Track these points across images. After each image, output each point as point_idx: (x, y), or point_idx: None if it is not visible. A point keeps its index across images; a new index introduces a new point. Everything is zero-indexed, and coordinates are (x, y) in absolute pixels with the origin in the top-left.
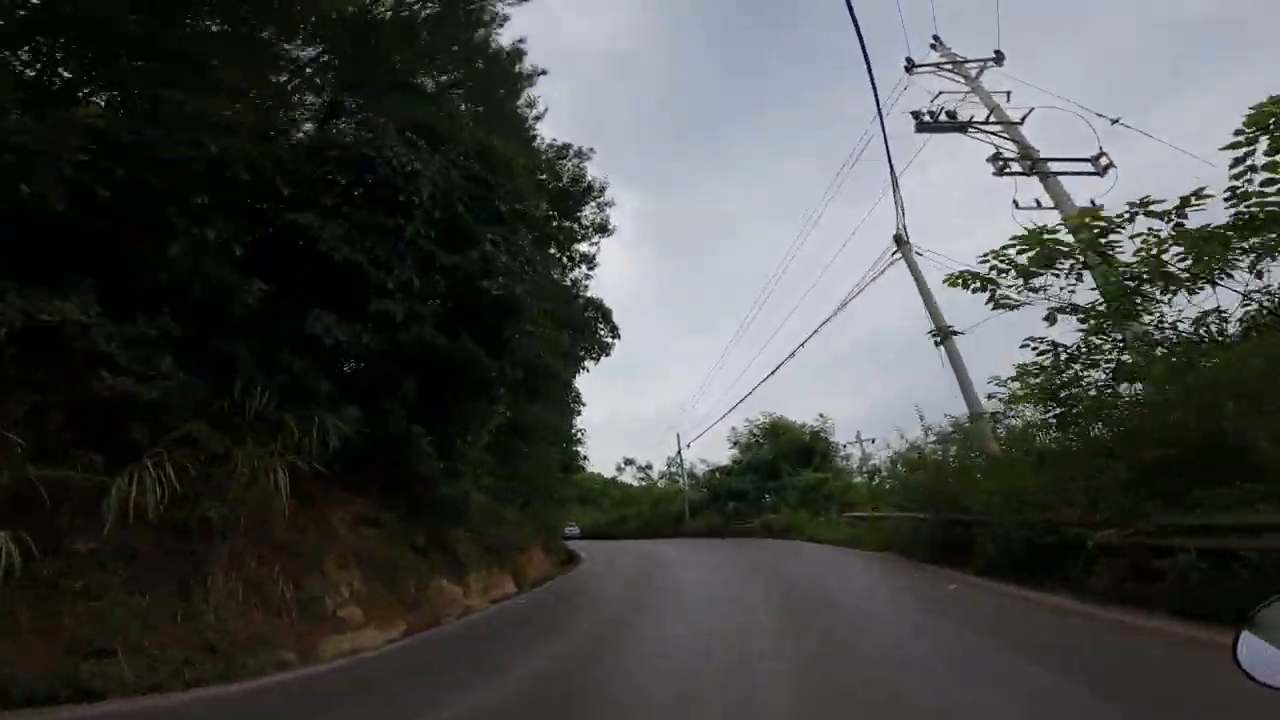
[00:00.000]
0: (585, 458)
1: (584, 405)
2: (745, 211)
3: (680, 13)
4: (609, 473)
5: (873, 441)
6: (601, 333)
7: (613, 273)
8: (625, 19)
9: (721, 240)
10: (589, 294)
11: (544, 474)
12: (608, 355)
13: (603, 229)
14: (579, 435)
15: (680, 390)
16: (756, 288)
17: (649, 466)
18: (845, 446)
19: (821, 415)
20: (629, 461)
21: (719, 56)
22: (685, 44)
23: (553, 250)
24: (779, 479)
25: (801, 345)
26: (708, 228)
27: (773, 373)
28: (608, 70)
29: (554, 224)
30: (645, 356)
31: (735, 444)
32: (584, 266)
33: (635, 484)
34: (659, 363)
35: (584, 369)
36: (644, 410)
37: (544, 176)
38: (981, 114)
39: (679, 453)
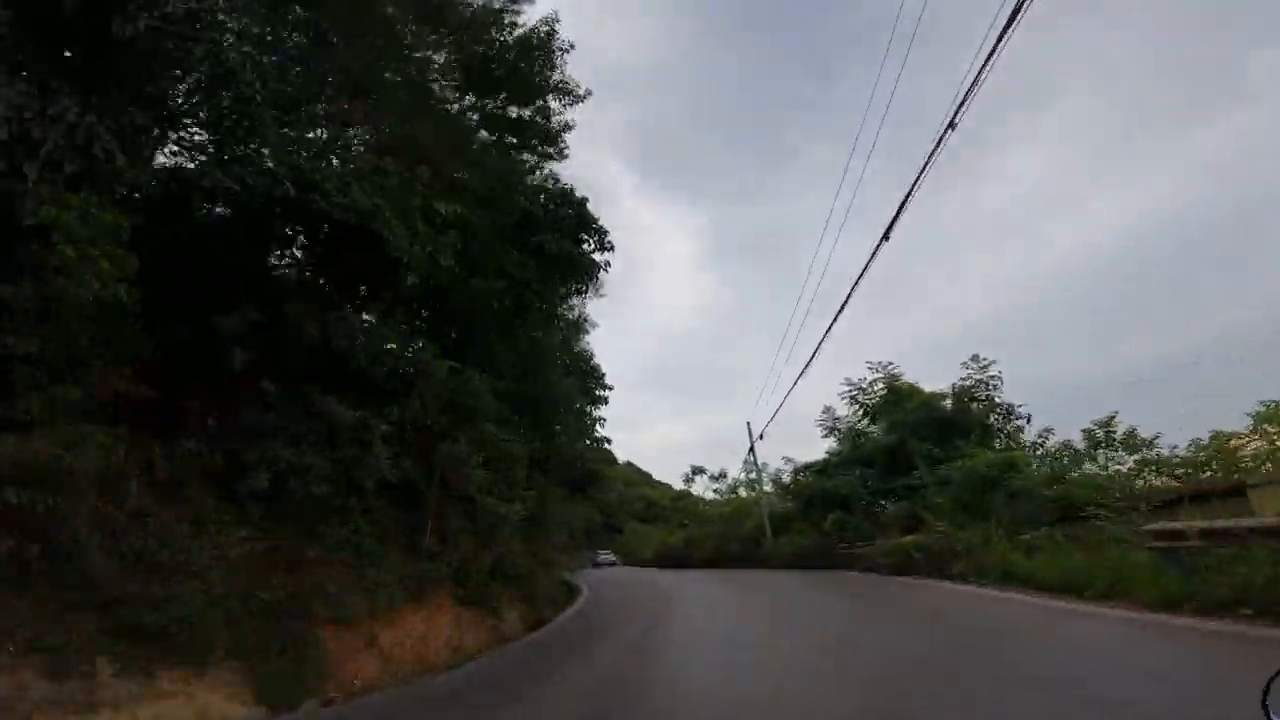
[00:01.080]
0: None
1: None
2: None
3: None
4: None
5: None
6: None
7: (686, 290)
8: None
9: (802, 243)
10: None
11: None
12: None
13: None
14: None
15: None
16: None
17: (722, 475)
18: (1019, 412)
19: (977, 359)
20: (698, 471)
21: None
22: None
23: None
24: (907, 472)
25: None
26: (784, 231)
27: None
28: (666, 85)
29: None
30: (730, 373)
31: (832, 429)
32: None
33: (714, 496)
34: (746, 378)
35: None
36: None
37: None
38: None
39: (751, 448)
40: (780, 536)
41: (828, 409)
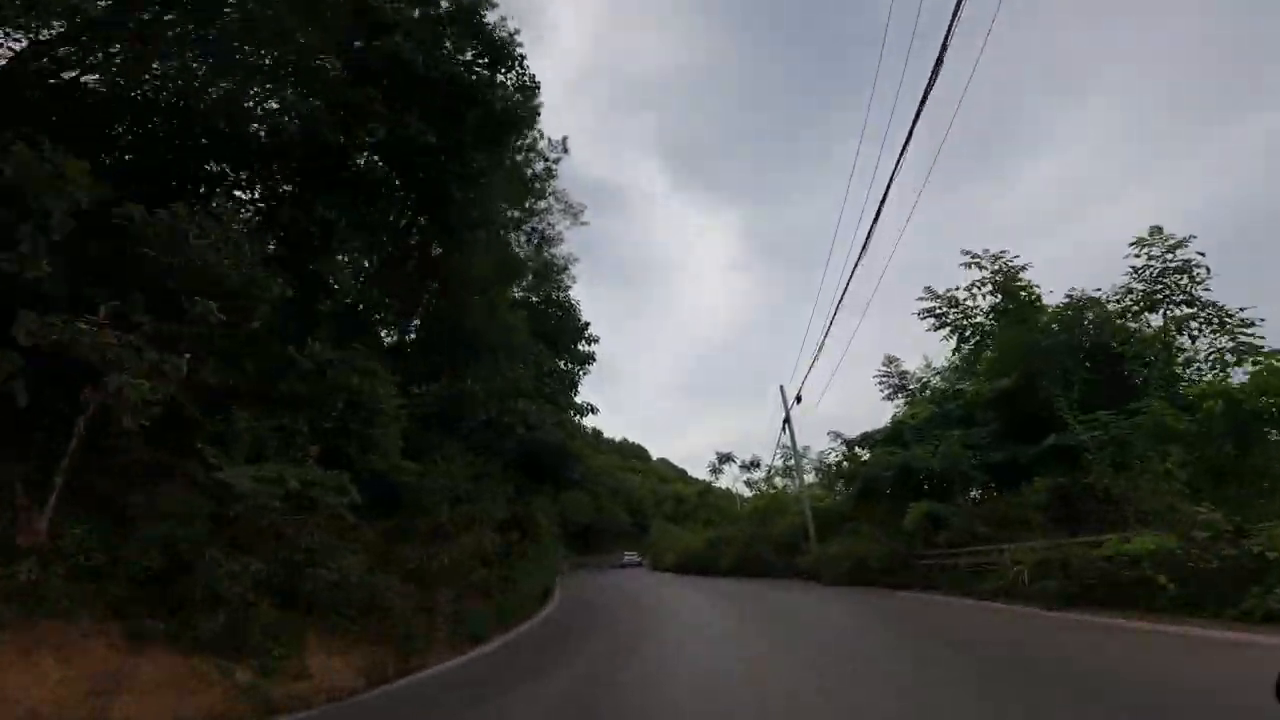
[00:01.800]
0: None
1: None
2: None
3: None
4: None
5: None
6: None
7: (721, 293)
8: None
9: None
10: None
11: None
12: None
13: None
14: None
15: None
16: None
17: (754, 464)
18: (1241, 318)
19: (1158, 233)
20: (725, 459)
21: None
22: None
23: None
24: (1039, 430)
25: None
26: (818, 230)
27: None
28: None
29: None
30: (765, 375)
31: (900, 386)
32: None
33: (747, 491)
34: (780, 373)
35: None
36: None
37: None
38: None
39: (786, 418)
40: (828, 540)
41: (891, 360)
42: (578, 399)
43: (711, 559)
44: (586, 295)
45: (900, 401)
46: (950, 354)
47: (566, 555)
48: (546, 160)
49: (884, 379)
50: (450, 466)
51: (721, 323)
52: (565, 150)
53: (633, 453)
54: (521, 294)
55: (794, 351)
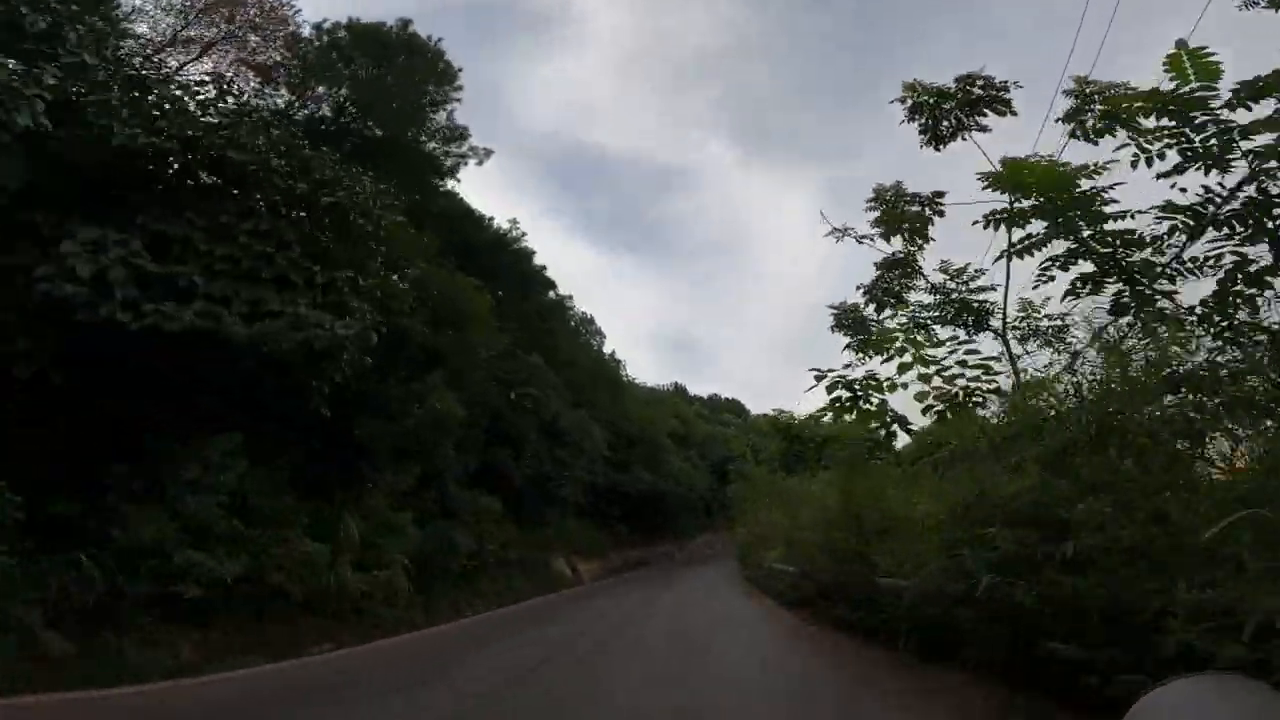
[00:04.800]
0: None
1: None
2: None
3: None
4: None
5: None
6: None
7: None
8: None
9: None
10: None
11: None
12: None
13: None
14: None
15: None
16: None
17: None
18: None
19: None
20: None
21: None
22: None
23: None
24: None
25: None
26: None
27: None
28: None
29: None
30: None
31: None
32: None
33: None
34: None
35: None
36: None
37: None
38: None
39: None
40: None
41: None
42: None
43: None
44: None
45: None
46: None
47: (620, 539)
48: None
49: None
50: None
51: (813, 282)
52: None
53: (725, 408)
54: None
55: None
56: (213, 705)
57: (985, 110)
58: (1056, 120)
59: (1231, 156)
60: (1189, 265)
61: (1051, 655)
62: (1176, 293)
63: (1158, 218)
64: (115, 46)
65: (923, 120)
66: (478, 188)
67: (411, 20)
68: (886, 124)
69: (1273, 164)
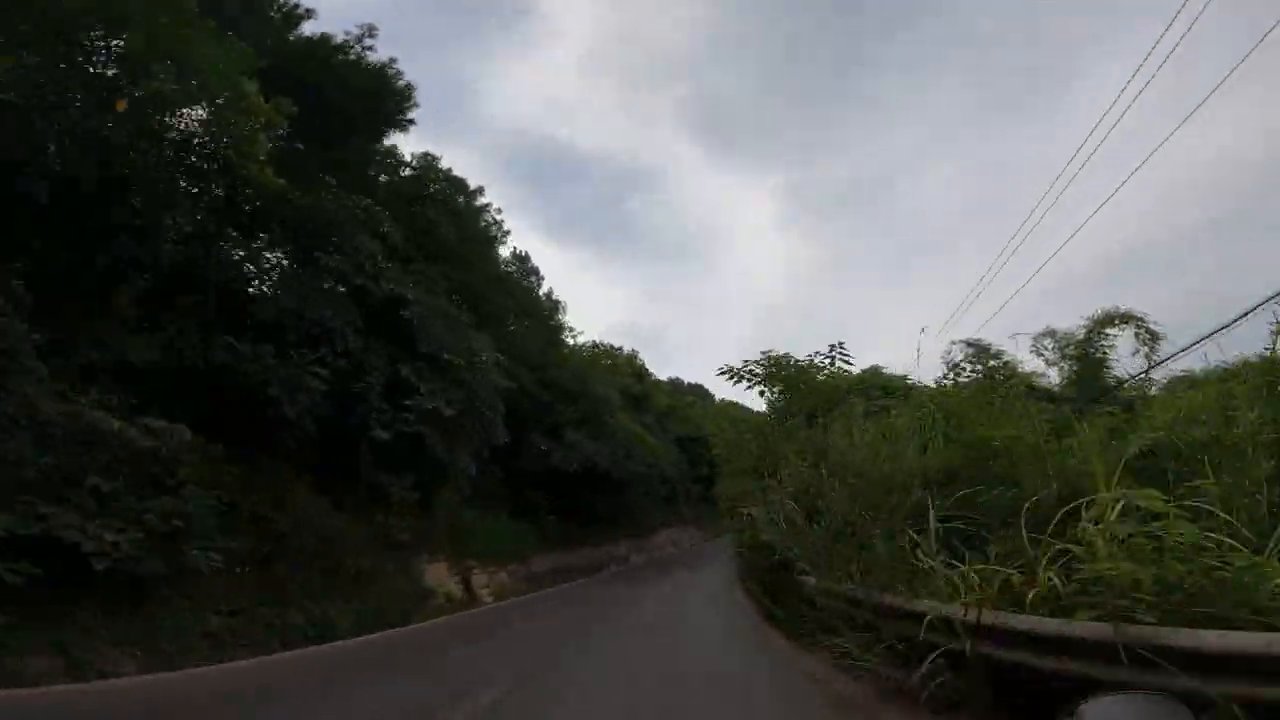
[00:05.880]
0: None
1: None
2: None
3: None
4: None
5: None
6: None
7: (773, 255)
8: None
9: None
10: None
11: None
12: None
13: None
14: None
15: None
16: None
17: None
18: None
19: None
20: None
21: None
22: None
23: None
24: None
25: None
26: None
27: None
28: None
29: None
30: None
31: None
32: None
33: None
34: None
35: None
36: None
37: None
38: None
39: None
40: None
41: None
42: None
43: None
44: (630, 274)
45: None
46: None
47: (549, 535)
48: None
49: None
50: None
51: (779, 279)
52: None
53: (689, 392)
54: None
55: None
56: None
57: None
58: None
59: None
60: None
61: None
62: None
63: None
64: None
65: None
66: None
67: None
68: (849, 127)
69: None
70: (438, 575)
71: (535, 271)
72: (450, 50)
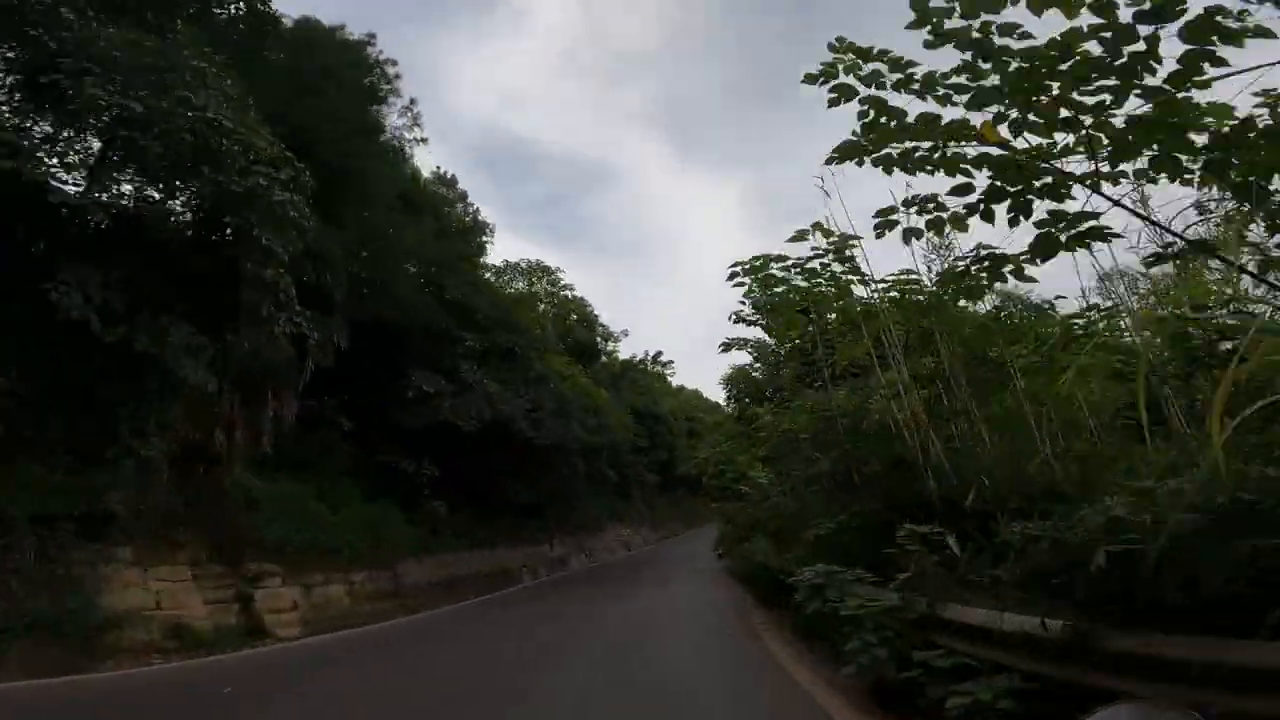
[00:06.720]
0: None
1: None
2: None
3: None
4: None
5: None
6: None
7: (734, 254)
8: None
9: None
10: None
11: None
12: None
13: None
14: None
15: None
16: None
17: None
18: None
19: None
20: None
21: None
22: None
23: None
24: None
25: None
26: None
27: None
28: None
29: None
30: None
31: None
32: None
33: None
34: None
35: None
36: None
37: None
38: None
39: None
40: None
41: None
42: None
43: None
44: (591, 273)
45: None
46: None
47: (440, 530)
48: None
49: None
50: None
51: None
52: None
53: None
54: None
55: None
56: None
57: None
58: None
59: None
60: None
61: None
62: None
63: None
64: None
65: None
66: None
67: None
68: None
69: None
70: (151, 588)
71: (464, 197)
72: (419, 37)
